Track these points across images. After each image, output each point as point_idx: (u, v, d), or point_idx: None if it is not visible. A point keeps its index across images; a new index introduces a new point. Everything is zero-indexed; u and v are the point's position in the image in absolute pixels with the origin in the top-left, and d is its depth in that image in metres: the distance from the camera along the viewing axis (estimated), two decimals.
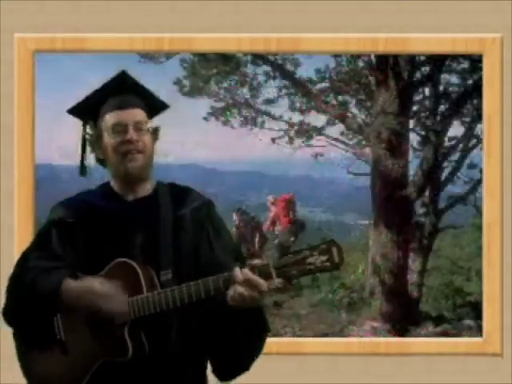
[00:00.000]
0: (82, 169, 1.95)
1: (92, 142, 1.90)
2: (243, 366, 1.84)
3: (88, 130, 1.91)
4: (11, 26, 2.95)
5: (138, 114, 1.85)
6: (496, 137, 2.96)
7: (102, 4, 2.95)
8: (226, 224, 2.00)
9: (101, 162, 1.91)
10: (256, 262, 1.68)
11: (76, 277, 1.77)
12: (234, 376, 1.85)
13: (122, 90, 1.87)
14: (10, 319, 1.84)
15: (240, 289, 1.65)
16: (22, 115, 2.96)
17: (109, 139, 1.83)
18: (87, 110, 1.90)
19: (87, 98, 1.91)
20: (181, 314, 1.78)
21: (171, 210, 1.86)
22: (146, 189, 1.89)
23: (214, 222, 1.92)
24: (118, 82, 1.88)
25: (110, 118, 1.84)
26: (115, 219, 1.84)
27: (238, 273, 1.65)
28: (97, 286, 1.73)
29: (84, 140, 1.93)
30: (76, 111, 1.93)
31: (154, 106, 1.93)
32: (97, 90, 1.89)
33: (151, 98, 1.93)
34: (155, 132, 1.90)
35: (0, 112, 2.97)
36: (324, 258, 1.63)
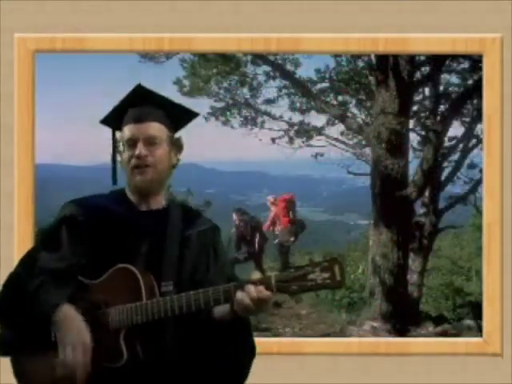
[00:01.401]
0: (114, 177, 1.97)
1: (119, 151, 1.92)
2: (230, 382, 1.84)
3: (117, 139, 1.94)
4: (11, 25, 2.95)
5: (153, 127, 1.86)
6: (496, 137, 2.96)
7: (102, 4, 2.95)
8: (225, 251, 2.08)
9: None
10: (258, 276, 1.72)
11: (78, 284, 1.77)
12: None
13: (140, 102, 1.88)
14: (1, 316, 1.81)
15: (247, 301, 1.68)
16: (22, 115, 2.95)
17: (124, 152, 1.87)
18: (115, 121, 1.92)
19: (114, 109, 1.92)
20: (177, 323, 1.80)
21: (180, 228, 1.89)
22: (160, 202, 1.92)
23: (217, 246, 1.98)
24: (134, 96, 1.89)
25: (126, 131, 1.87)
26: (125, 224, 1.85)
27: (252, 289, 1.69)
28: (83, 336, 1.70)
29: (114, 149, 1.95)
30: (106, 121, 1.95)
31: (178, 116, 1.93)
32: (120, 102, 1.91)
33: (173, 109, 1.92)
34: (176, 143, 1.92)
35: (0, 112, 2.97)
36: (326, 275, 1.65)
